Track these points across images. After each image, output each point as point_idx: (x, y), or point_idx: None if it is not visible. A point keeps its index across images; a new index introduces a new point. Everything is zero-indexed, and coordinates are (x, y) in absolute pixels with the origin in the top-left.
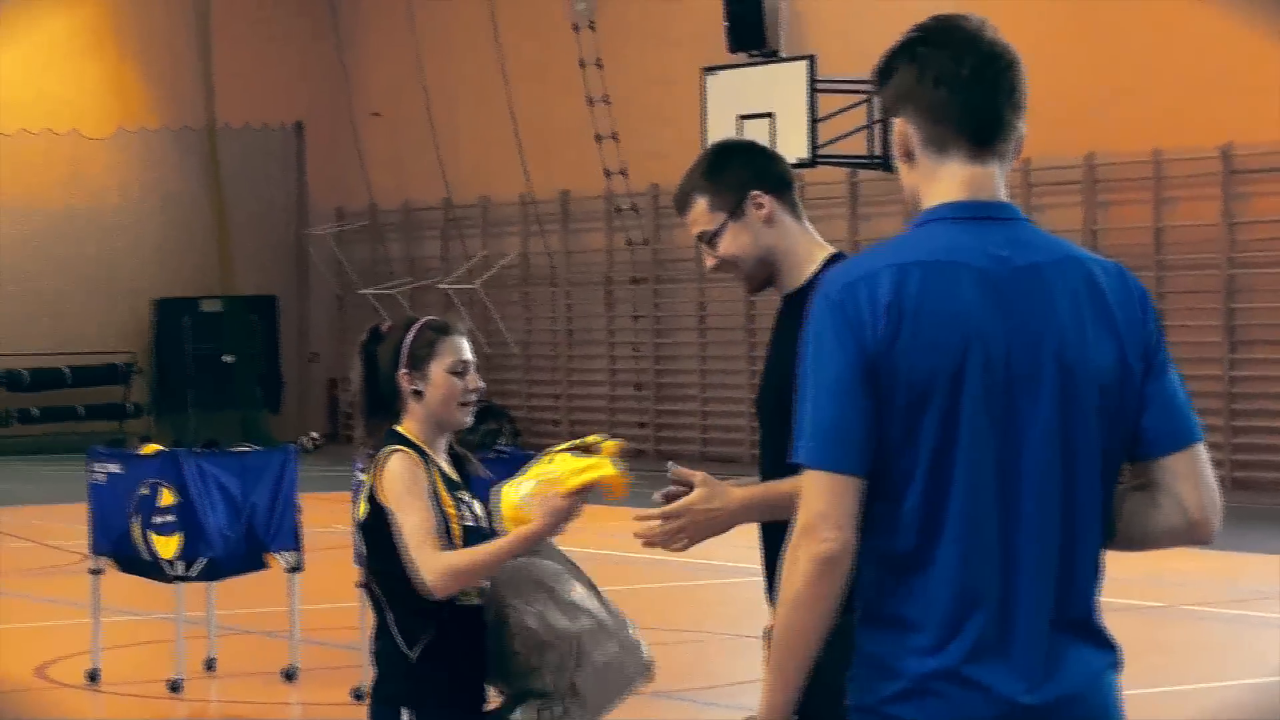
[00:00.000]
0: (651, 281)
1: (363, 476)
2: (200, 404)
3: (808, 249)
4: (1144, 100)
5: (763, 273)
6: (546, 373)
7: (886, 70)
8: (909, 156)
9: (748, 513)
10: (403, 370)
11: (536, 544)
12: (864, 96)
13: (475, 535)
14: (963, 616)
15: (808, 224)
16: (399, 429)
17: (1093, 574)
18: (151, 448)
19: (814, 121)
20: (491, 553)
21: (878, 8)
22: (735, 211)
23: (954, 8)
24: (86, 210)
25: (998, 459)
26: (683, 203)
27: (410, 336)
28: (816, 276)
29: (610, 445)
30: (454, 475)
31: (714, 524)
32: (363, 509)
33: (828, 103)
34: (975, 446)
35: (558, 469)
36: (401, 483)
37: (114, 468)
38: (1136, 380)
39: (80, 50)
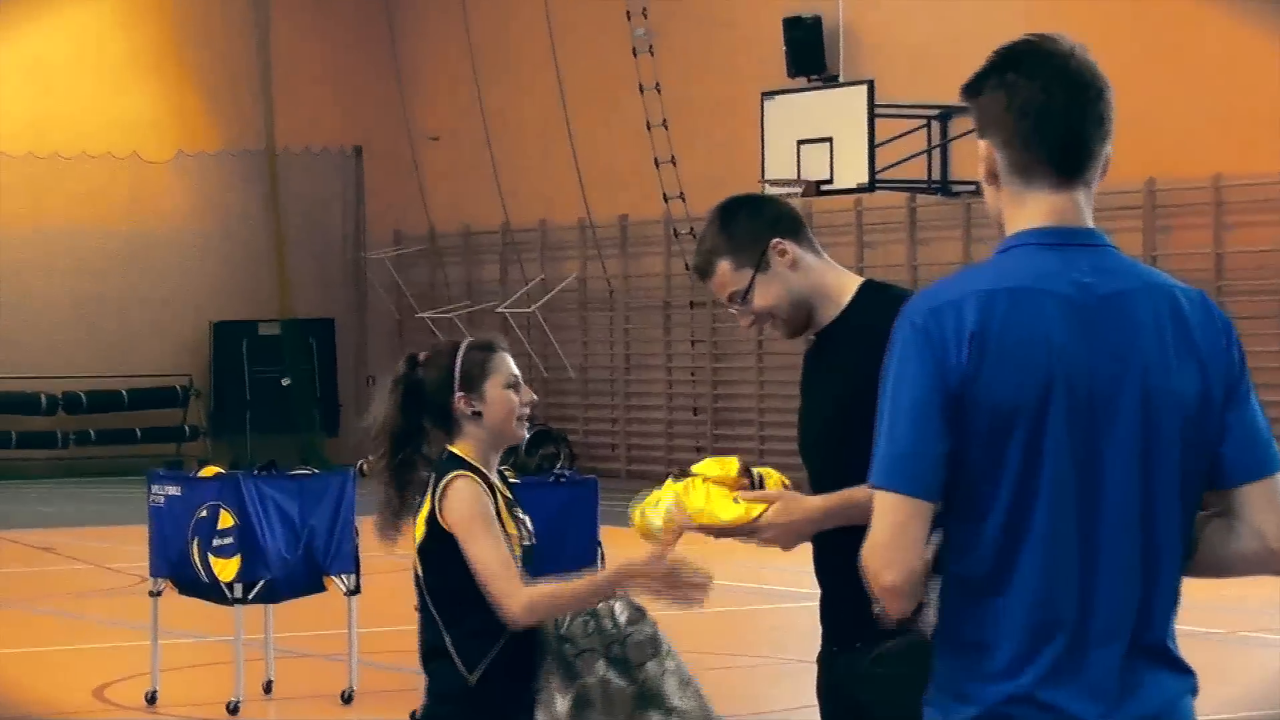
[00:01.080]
0: (710, 306)
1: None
2: (258, 427)
3: (838, 283)
4: (1204, 125)
5: (800, 316)
6: (604, 397)
7: (975, 89)
8: (994, 179)
9: (828, 519)
10: (459, 394)
11: (618, 592)
12: (923, 121)
13: (529, 555)
14: (1039, 640)
15: (828, 258)
16: (456, 452)
17: (1171, 600)
18: (211, 470)
19: (873, 146)
20: (578, 590)
21: (937, 33)
22: (760, 264)
23: (1017, 33)
24: (146, 233)
25: (1079, 485)
26: (705, 269)
27: (460, 359)
28: (852, 307)
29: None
30: (508, 493)
31: (795, 534)
32: (420, 531)
33: (886, 127)
34: (1058, 472)
35: (704, 507)
36: (470, 510)
37: (173, 490)
38: (1218, 408)
39: (140, 74)
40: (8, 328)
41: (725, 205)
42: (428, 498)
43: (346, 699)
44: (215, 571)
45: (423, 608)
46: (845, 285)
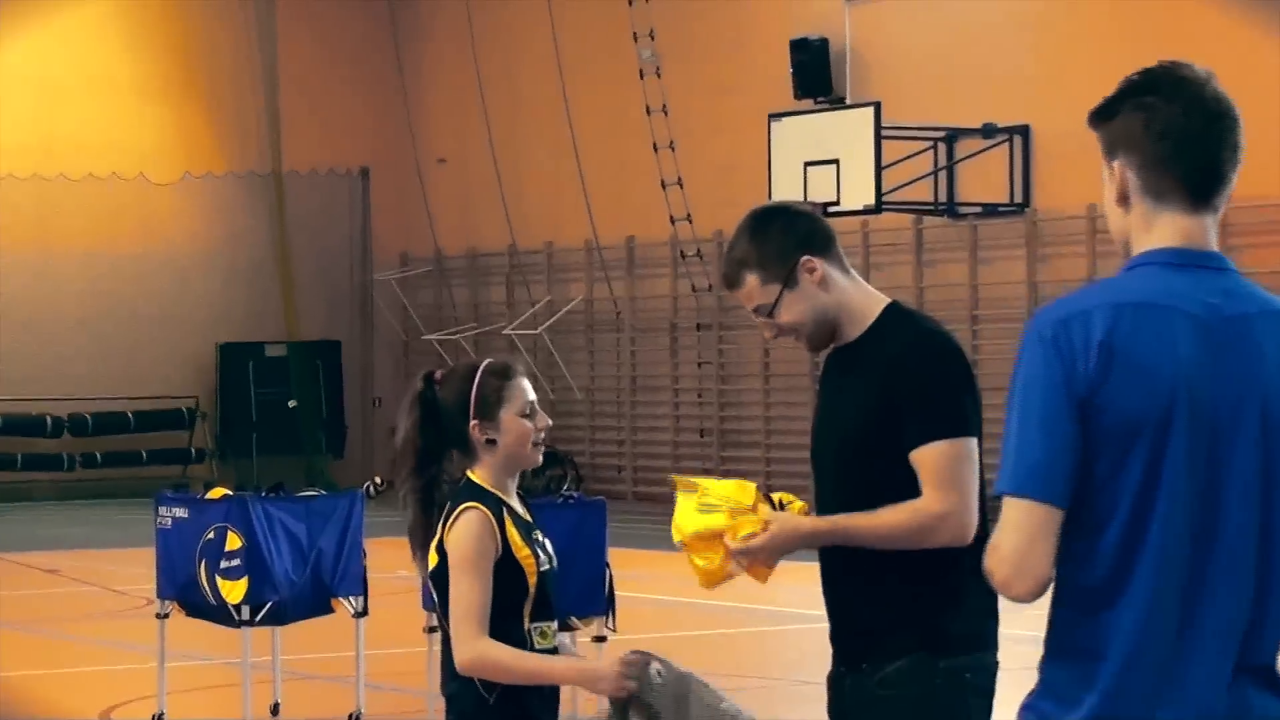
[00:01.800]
0: (716, 328)
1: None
2: (264, 449)
3: (863, 302)
4: None
5: (824, 332)
6: (611, 419)
7: (1108, 113)
8: (1124, 200)
9: (815, 541)
10: (474, 421)
11: (587, 686)
12: (929, 143)
13: (548, 579)
14: (1148, 654)
15: (856, 275)
16: (474, 478)
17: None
18: (218, 492)
19: (879, 168)
20: (533, 669)
21: (944, 55)
22: (789, 281)
23: (1027, 64)
24: (152, 255)
25: (1198, 504)
26: (733, 279)
27: (476, 385)
28: (876, 327)
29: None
30: (526, 515)
31: (777, 551)
32: (433, 559)
33: (893, 149)
34: (1176, 489)
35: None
36: (469, 547)
37: (180, 512)
38: None
39: (147, 96)
40: (14, 349)
41: (758, 215)
42: (439, 525)
43: None
44: (222, 593)
45: (443, 631)
46: (871, 304)
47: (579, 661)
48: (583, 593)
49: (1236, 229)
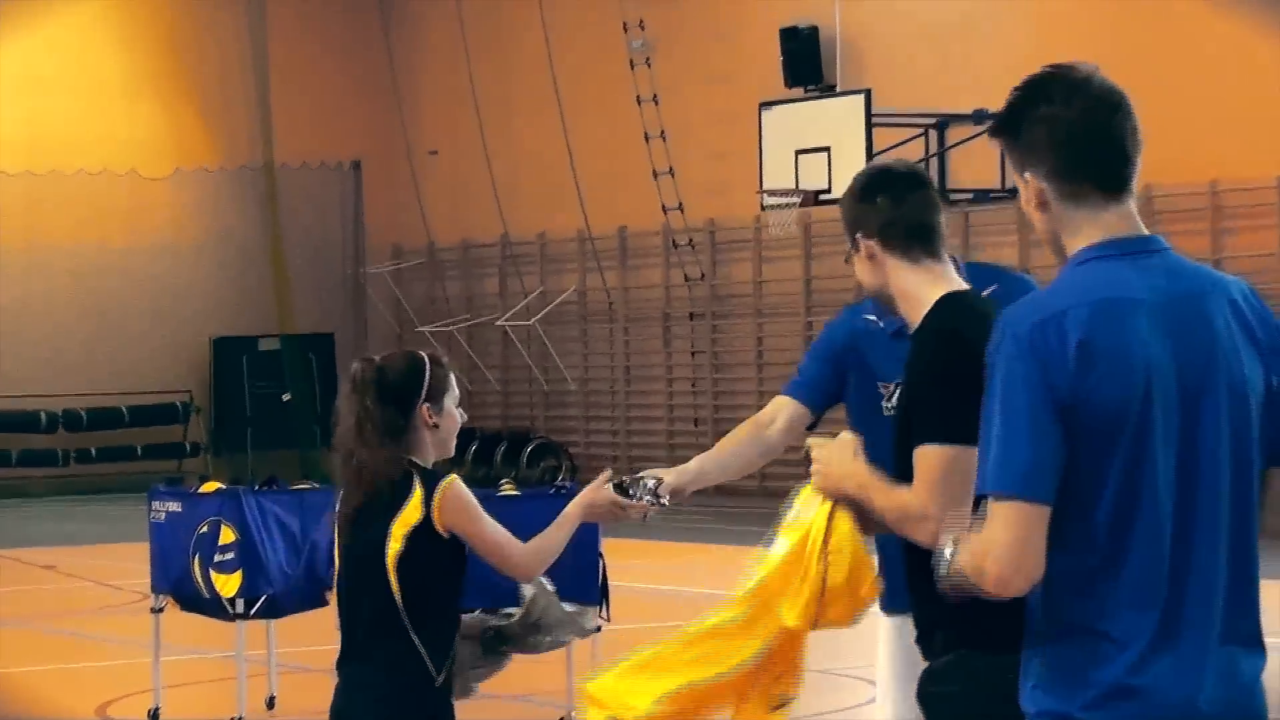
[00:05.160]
0: (709, 317)
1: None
2: (258, 443)
3: (920, 290)
4: (1201, 131)
5: (883, 302)
6: (605, 409)
7: (1011, 126)
8: (1044, 207)
9: (867, 491)
10: (425, 404)
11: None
12: (920, 130)
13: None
14: (1148, 627)
15: (930, 262)
16: (418, 461)
17: (1257, 584)
18: (211, 486)
19: (870, 155)
20: (559, 533)
21: (934, 42)
22: (853, 245)
23: (1019, 49)
24: (145, 250)
25: (1178, 479)
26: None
27: (429, 371)
28: (927, 320)
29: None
30: None
31: (844, 477)
32: (395, 545)
33: (884, 136)
34: (1159, 468)
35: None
36: (471, 499)
37: (174, 506)
38: (1275, 392)
39: (138, 91)
40: (7, 345)
41: (860, 176)
42: (411, 508)
43: None
44: (217, 587)
45: (378, 609)
46: (924, 296)
47: (574, 503)
48: (576, 582)
49: (1229, 212)
